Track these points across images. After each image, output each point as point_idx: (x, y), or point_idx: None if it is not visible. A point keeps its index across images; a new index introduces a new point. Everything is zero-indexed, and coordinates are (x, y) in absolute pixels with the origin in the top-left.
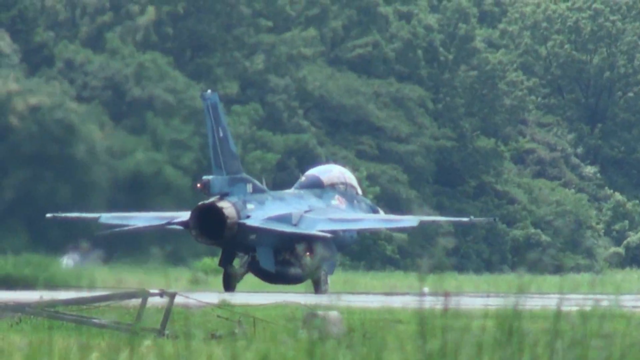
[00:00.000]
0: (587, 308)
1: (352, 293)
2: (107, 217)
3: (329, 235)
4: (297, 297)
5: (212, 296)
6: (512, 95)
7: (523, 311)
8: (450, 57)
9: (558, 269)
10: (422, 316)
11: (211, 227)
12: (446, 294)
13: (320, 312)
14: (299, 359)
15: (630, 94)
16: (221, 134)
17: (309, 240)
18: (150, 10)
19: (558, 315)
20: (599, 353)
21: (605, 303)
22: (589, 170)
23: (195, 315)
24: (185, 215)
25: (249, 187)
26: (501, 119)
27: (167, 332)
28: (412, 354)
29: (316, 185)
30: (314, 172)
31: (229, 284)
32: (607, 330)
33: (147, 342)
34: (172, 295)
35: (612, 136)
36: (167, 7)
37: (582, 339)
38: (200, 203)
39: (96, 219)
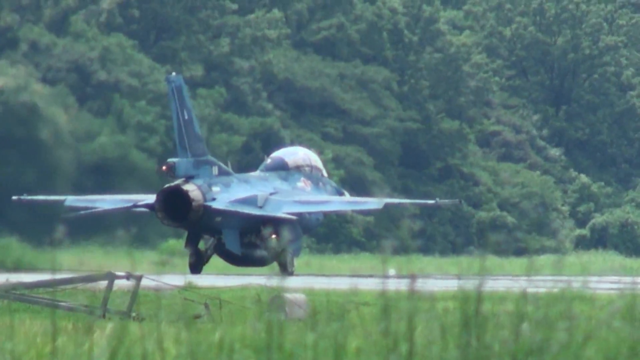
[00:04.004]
0: (552, 290)
1: (318, 275)
2: (73, 200)
3: (294, 217)
4: (263, 279)
5: (178, 278)
6: (477, 77)
7: (486, 293)
8: (415, 39)
9: (523, 251)
10: (386, 298)
11: (177, 209)
12: (412, 276)
13: (285, 295)
14: (263, 341)
15: (595, 76)
16: (186, 117)
17: (275, 223)
18: None
19: (522, 297)
20: (563, 335)
21: (570, 285)
22: (554, 152)
23: (161, 298)
24: (150, 198)
25: (215, 170)
26: (466, 100)
27: (133, 314)
28: (376, 336)
29: (281, 168)
30: (279, 154)
31: (195, 266)
32: (572, 312)
33: (111, 325)
34: (139, 278)
35: (577, 118)
36: None
37: (546, 321)
38: (165, 186)
39: (62, 202)
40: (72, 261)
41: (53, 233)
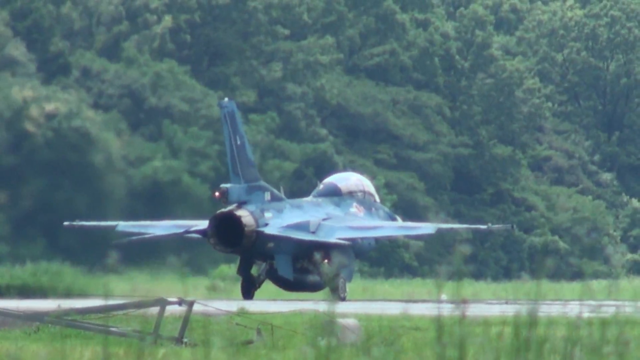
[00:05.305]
0: (605, 315)
1: (371, 300)
2: (125, 226)
3: (347, 242)
4: (316, 304)
5: (230, 304)
6: (529, 103)
7: (541, 318)
8: (467, 64)
9: (575, 276)
10: (440, 323)
11: (229, 235)
12: (464, 301)
13: (338, 320)
14: None
15: None
16: (239, 142)
17: (327, 248)
18: (167, 19)
19: (576, 322)
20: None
21: (622, 310)
22: (606, 177)
23: (213, 323)
24: (203, 224)
25: (267, 195)
26: (518, 126)
27: (185, 340)
28: None
29: (334, 193)
30: (331, 179)
31: (248, 292)
32: (625, 337)
33: (163, 351)
34: (190, 304)
35: (629, 143)
36: (184, 16)
37: (599, 346)
38: (218, 211)
39: (113, 228)
40: (123, 287)
41: (105, 259)
